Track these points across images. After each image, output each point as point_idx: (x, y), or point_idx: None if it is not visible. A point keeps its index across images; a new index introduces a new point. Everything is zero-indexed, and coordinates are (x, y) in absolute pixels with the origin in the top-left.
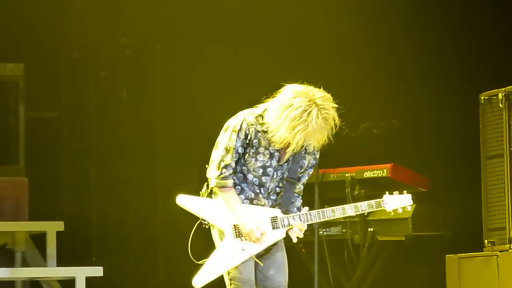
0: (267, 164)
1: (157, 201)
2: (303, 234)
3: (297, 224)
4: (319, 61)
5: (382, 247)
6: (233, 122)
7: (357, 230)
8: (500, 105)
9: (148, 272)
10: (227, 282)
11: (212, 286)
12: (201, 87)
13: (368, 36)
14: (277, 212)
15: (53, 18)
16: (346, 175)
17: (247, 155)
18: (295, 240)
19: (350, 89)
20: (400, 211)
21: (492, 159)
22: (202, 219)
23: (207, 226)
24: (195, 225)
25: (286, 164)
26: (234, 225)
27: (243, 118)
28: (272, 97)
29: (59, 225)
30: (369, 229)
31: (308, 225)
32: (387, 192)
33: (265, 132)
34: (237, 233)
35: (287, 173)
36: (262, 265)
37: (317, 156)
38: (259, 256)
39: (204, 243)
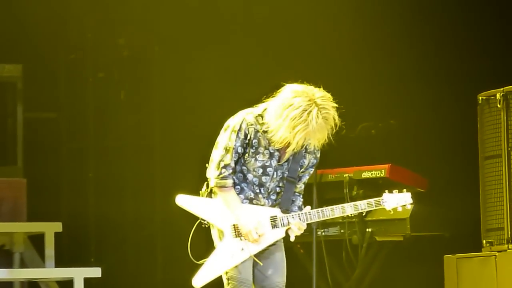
0: (267, 164)
1: (155, 201)
2: (302, 233)
3: (296, 223)
4: (318, 62)
5: (380, 248)
6: (232, 122)
7: (355, 231)
8: (498, 106)
9: (147, 273)
10: (225, 281)
11: (212, 286)
12: (199, 87)
13: (366, 37)
14: (276, 211)
15: (51, 19)
16: (344, 175)
17: (246, 155)
18: (292, 239)
19: (348, 90)
20: (400, 209)
21: (490, 159)
22: (201, 219)
23: (206, 226)
24: (195, 225)
25: (286, 163)
26: (234, 225)
27: (243, 118)
28: (272, 97)
29: (57, 226)
30: (367, 230)
31: (306, 225)
32: (386, 191)
33: (265, 132)
34: (236, 232)
35: (287, 172)
36: (261, 264)
37: (318, 155)
38: (258, 255)
39: (204, 243)
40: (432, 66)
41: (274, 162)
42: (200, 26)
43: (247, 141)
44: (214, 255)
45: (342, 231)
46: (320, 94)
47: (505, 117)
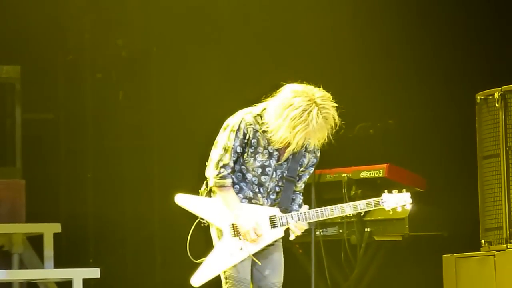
0: (266, 163)
1: (153, 202)
2: (301, 233)
3: (297, 224)
4: (316, 62)
5: (379, 247)
6: (231, 121)
7: (354, 231)
8: (496, 105)
9: (145, 273)
10: (223, 280)
11: (210, 286)
12: (198, 87)
13: (365, 37)
14: (275, 211)
15: (49, 20)
16: (343, 175)
17: (245, 154)
18: (292, 238)
19: (346, 90)
20: (399, 209)
21: (488, 159)
22: (201, 218)
23: (206, 225)
24: (194, 224)
25: (285, 163)
26: (233, 224)
27: (242, 117)
28: (271, 97)
29: (56, 227)
30: (366, 230)
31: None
32: (386, 191)
33: (264, 131)
34: (235, 232)
35: (286, 172)
36: (260, 264)
37: (318, 155)
38: (257, 254)
39: (202, 242)
40: (430, 66)
41: (273, 162)
42: (198, 26)
43: (245, 141)
44: (212, 254)
45: (340, 231)
46: (320, 94)
47: (503, 117)
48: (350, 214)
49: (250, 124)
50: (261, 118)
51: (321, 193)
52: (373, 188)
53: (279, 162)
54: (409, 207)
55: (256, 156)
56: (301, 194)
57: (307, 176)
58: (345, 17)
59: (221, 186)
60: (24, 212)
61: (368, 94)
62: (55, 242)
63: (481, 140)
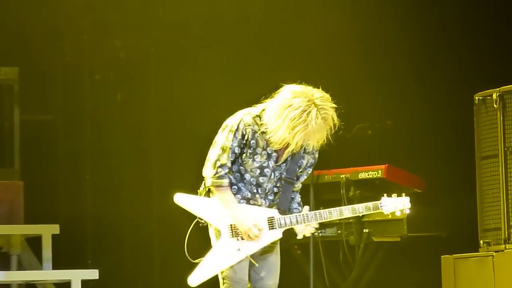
0: (265, 164)
1: (152, 203)
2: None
3: (304, 228)
4: (315, 63)
5: (377, 248)
6: (230, 122)
7: (352, 231)
8: (495, 106)
9: (144, 274)
10: (220, 280)
11: (208, 285)
12: (196, 88)
13: (363, 38)
14: (274, 212)
15: (47, 21)
16: (341, 176)
17: (244, 155)
18: (300, 237)
19: (344, 90)
20: (398, 214)
21: (487, 160)
22: (199, 218)
23: (204, 225)
24: (192, 224)
25: (284, 164)
26: (231, 225)
27: (241, 118)
28: (270, 98)
29: (55, 228)
30: (364, 230)
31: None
32: (385, 194)
33: (263, 132)
34: (233, 233)
35: (285, 173)
36: (257, 265)
37: (316, 156)
38: (254, 256)
39: (201, 242)
40: (428, 66)
41: (271, 163)
42: (196, 27)
43: (244, 142)
44: (210, 255)
45: (339, 232)
46: (319, 95)
47: (501, 117)
48: None
49: (249, 125)
50: (260, 119)
51: (319, 194)
52: (372, 189)
53: (278, 163)
54: (408, 211)
55: (255, 157)
56: (298, 192)
57: (305, 177)
58: (344, 18)
59: (218, 186)
60: (23, 213)
61: (366, 94)
62: (54, 243)
63: (479, 141)
